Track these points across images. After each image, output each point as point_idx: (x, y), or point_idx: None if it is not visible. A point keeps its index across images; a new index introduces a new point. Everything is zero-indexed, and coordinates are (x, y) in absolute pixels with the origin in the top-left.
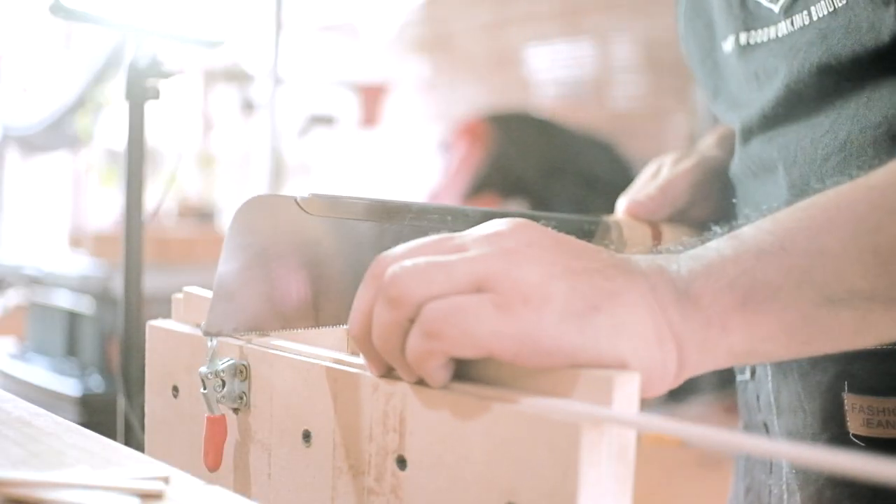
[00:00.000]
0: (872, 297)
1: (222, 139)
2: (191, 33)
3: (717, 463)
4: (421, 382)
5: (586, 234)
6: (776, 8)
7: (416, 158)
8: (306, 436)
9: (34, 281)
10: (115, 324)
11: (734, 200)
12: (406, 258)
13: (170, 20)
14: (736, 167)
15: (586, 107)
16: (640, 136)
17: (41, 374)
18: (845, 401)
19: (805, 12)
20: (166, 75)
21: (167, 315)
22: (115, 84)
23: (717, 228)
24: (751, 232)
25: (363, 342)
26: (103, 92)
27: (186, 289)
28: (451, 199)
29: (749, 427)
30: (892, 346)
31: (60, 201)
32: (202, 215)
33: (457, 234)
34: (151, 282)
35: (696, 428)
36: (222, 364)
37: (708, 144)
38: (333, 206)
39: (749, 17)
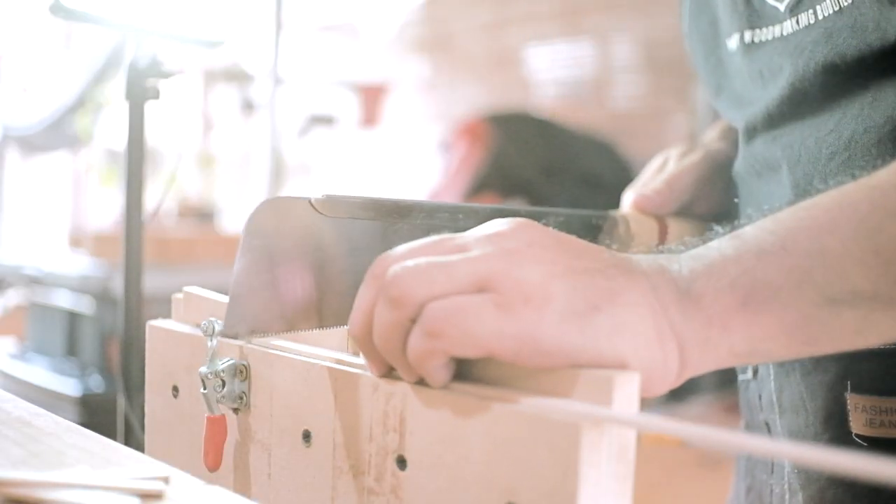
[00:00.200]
0: (874, 298)
1: (222, 139)
2: (191, 33)
3: (717, 463)
4: (421, 382)
5: (594, 228)
6: (782, 6)
7: (416, 158)
8: (306, 436)
9: (34, 281)
10: (115, 324)
11: (736, 200)
12: (407, 258)
13: (170, 20)
14: (739, 166)
15: (586, 107)
16: (640, 135)
17: (41, 374)
18: (848, 401)
19: (811, 11)
20: (166, 75)
21: (167, 315)
22: (115, 84)
23: (718, 228)
24: (752, 232)
25: (364, 342)
26: (103, 92)
27: (186, 289)
28: (452, 199)
29: (751, 427)
30: (895, 345)
31: (60, 201)
32: (202, 215)
33: (458, 234)
34: (151, 282)
35: (696, 428)
36: (222, 364)
37: (712, 137)
38: (347, 207)
39: (754, 15)
